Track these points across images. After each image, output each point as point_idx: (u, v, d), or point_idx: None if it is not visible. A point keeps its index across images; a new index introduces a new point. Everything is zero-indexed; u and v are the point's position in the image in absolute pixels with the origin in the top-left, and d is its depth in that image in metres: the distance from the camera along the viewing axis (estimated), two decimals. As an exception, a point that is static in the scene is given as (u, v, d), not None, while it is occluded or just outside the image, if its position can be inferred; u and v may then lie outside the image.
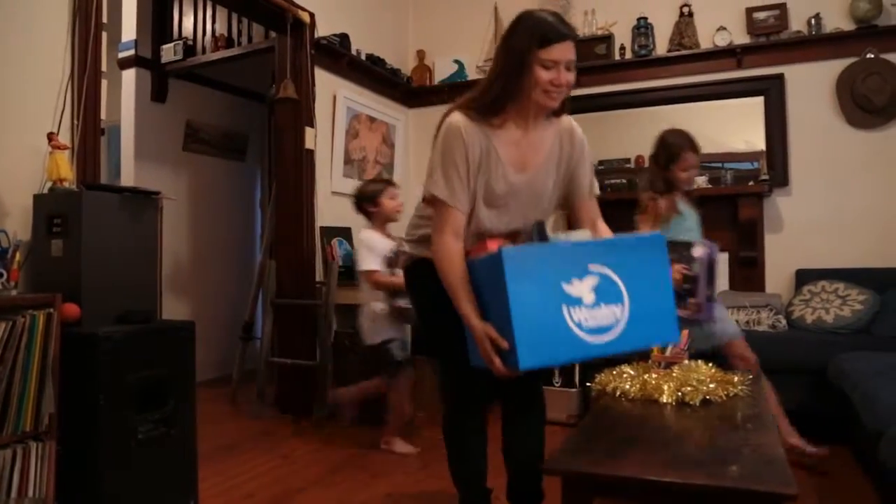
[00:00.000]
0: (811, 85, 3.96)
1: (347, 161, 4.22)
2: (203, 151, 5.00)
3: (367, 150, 4.42)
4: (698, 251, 2.32)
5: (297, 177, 3.82)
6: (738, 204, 3.95)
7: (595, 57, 4.38)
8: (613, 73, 4.39)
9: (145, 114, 4.51)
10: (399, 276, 2.80)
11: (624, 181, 4.24)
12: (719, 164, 4.19)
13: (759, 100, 4.10)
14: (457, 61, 4.87)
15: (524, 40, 1.58)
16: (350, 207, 4.21)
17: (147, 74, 4.54)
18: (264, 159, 5.39)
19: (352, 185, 4.23)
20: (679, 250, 2.38)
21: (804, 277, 3.80)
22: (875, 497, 2.40)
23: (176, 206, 4.60)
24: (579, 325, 1.47)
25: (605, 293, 1.50)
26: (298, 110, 3.77)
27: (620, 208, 4.21)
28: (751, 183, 3.96)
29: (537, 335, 1.45)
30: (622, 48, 4.39)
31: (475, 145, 1.66)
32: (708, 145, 4.22)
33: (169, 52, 4.52)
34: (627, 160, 4.40)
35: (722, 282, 4.08)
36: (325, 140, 4.02)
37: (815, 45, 3.94)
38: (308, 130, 3.82)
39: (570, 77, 1.63)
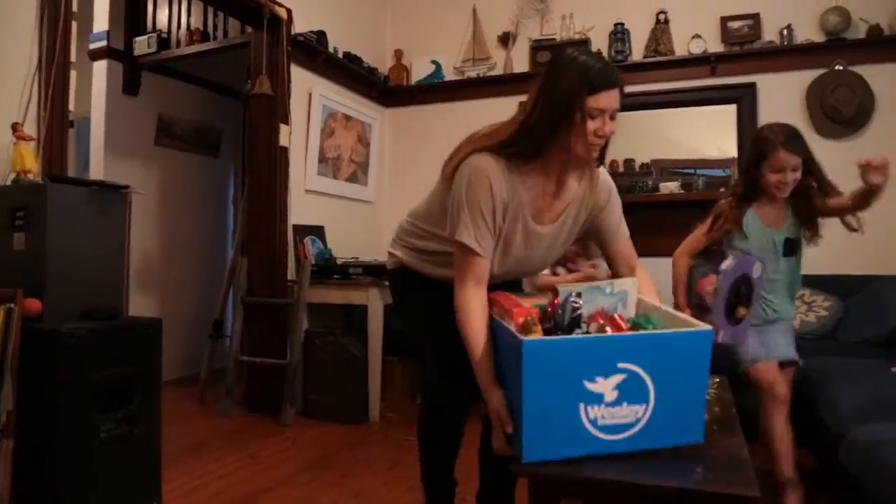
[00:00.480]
0: (782, 94, 4.03)
1: (322, 159, 4.19)
2: (175, 146, 4.92)
3: (342, 148, 4.39)
4: (725, 263, 2.05)
5: (270, 174, 3.78)
6: (708, 210, 3.99)
7: (572, 61, 4.40)
8: (589, 77, 4.40)
9: (116, 106, 4.43)
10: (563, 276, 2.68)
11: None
12: (692, 171, 4.24)
13: (732, 107, 4.16)
14: (434, 62, 4.86)
15: (573, 86, 1.45)
16: (324, 205, 4.21)
17: (119, 66, 4.46)
18: (238, 156, 5.33)
19: (326, 183, 4.23)
20: (715, 261, 2.14)
21: (772, 283, 3.85)
22: (837, 500, 2.44)
23: (146, 201, 4.53)
24: (594, 423, 1.37)
25: (630, 392, 1.37)
26: (273, 107, 3.73)
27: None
28: (721, 189, 4.00)
29: (547, 431, 1.36)
30: (599, 53, 4.41)
31: (502, 192, 1.57)
32: (681, 152, 4.31)
33: (142, 45, 4.44)
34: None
35: (692, 286, 4.13)
36: (299, 137, 3.99)
37: (787, 55, 4.01)
38: (283, 127, 3.78)
39: (613, 126, 1.52)
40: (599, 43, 4.41)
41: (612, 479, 1.35)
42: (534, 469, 1.42)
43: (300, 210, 3.96)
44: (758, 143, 2.32)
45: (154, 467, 2.29)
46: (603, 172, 1.75)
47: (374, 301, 3.63)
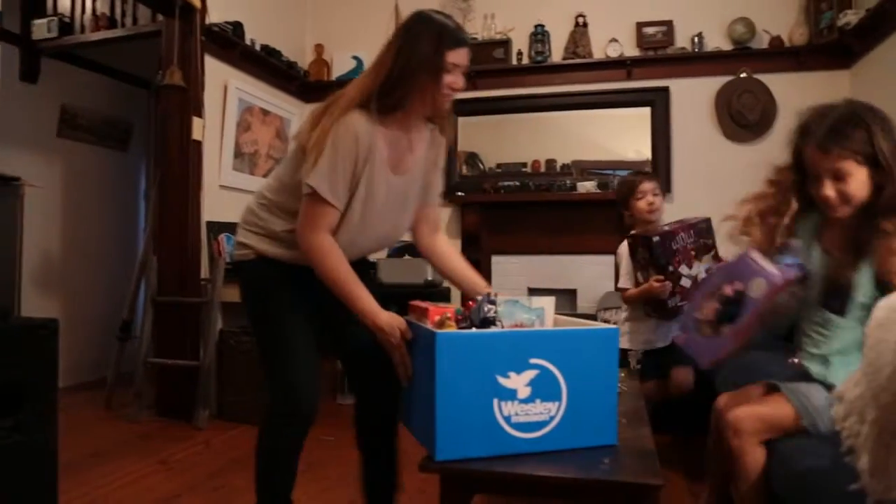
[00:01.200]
0: (693, 99, 4.19)
1: (238, 154, 4.06)
2: (81, 139, 4.66)
3: (259, 143, 4.27)
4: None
5: (182, 169, 3.63)
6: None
7: (493, 60, 4.44)
8: (511, 77, 4.46)
9: (12, 94, 4.13)
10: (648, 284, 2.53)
11: (517, 183, 4.31)
12: (610, 171, 4.35)
13: (647, 110, 4.29)
14: (355, 57, 4.79)
15: (433, 42, 1.56)
16: (240, 202, 4.06)
17: (15, 51, 4.18)
18: (150, 149, 5.10)
19: (242, 179, 4.10)
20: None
21: (684, 280, 3.99)
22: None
23: (47, 195, 4.26)
24: (508, 420, 1.39)
25: (543, 388, 1.41)
26: (186, 99, 3.59)
27: (513, 209, 4.33)
28: (636, 190, 4.12)
29: (460, 427, 1.36)
30: (519, 53, 4.47)
31: (366, 147, 1.60)
32: (600, 153, 4.41)
33: (41, 29, 4.17)
34: (524, 164, 4.49)
35: (610, 283, 4.23)
36: (214, 131, 3.85)
37: (698, 61, 4.18)
38: (196, 120, 3.64)
39: (463, 83, 1.64)
40: (520, 43, 4.46)
41: (521, 473, 1.36)
42: (443, 465, 1.41)
43: (214, 206, 3.82)
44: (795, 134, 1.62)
45: (50, 478, 2.13)
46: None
47: (292, 300, 3.54)
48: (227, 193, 3.97)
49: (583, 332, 1.49)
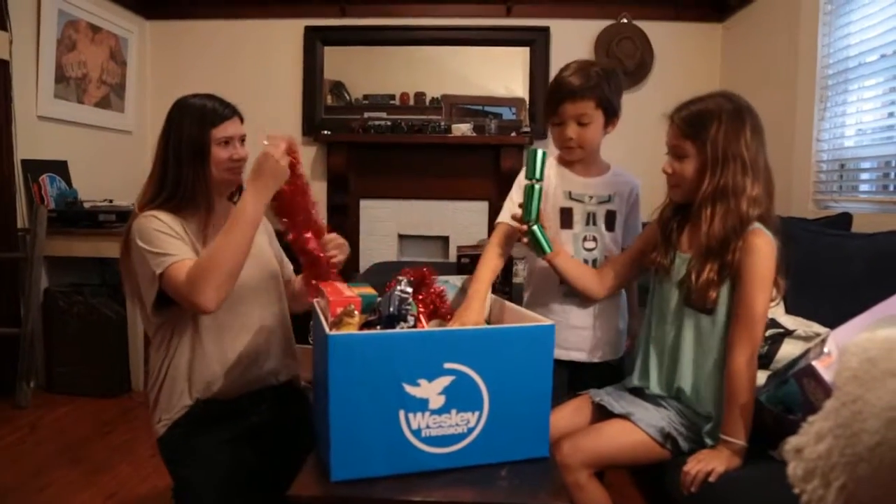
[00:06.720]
0: (574, 41, 4.06)
1: (61, 79, 3.41)
2: None
3: (88, 66, 3.62)
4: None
5: (-15, 95, 2.98)
6: (500, 154, 3.98)
7: (366, -14, 4.05)
8: (384, 5, 4.11)
9: None
10: None
11: (388, 123, 4.01)
12: (480, 107, 4.17)
13: (525, 50, 4.12)
14: (207, -34, 4.18)
15: (195, 125, 1.51)
16: (66, 136, 3.47)
17: None
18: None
19: (67, 108, 3.49)
20: None
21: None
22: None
23: None
24: (417, 434, 1.18)
25: (460, 397, 1.19)
26: (-19, 6, 2.91)
27: (383, 150, 4.04)
28: (513, 134, 3.99)
29: (360, 444, 1.16)
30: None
31: (178, 229, 1.50)
32: (471, 89, 4.22)
33: None
34: (392, 96, 4.22)
35: (484, 230, 4.12)
36: (26, 49, 3.19)
37: (580, 2, 4.04)
38: None
39: (245, 151, 1.59)
40: (395, -31, 4.07)
41: (408, 499, 1.17)
42: (315, 492, 1.18)
43: (32, 141, 3.21)
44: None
45: None
46: None
47: (134, 254, 3.09)
48: (48, 126, 3.35)
49: (509, 330, 1.30)
